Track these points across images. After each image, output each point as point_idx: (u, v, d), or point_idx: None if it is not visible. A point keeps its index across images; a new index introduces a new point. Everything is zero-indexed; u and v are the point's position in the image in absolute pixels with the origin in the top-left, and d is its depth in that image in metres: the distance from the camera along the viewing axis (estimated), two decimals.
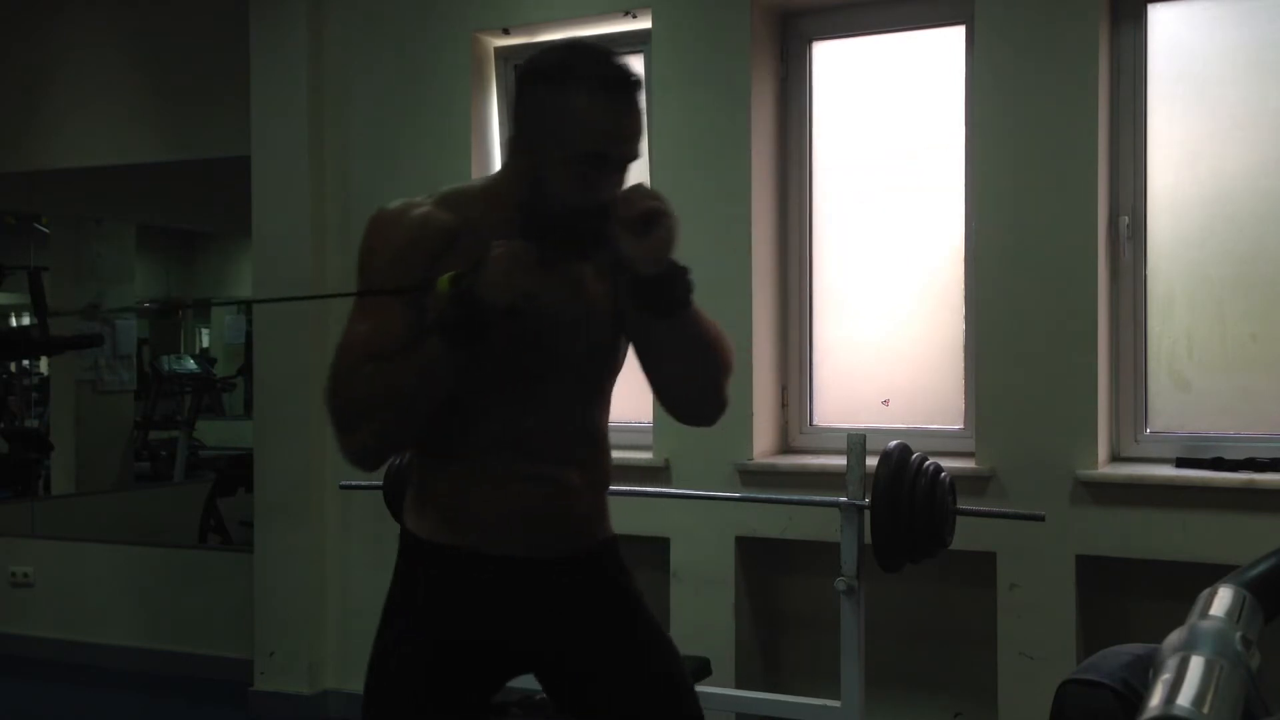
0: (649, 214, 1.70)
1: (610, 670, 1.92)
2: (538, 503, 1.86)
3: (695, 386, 1.91)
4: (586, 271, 1.86)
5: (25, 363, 8.25)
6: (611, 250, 1.75)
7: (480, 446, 1.85)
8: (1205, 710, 0.95)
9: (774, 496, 3.61)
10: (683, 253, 1.77)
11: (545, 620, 1.90)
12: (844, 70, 3.99)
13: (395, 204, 1.84)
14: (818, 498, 3.25)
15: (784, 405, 4.01)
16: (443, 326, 1.69)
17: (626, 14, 4.08)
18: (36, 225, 7.16)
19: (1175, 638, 1.06)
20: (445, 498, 1.88)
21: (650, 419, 3.91)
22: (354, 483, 3.90)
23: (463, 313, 1.68)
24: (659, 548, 3.91)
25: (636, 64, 4.21)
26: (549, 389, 1.86)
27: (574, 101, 1.71)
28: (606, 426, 1.97)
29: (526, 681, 2.11)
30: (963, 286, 3.78)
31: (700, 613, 3.83)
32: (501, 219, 1.79)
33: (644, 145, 1.81)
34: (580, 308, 1.86)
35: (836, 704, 3.08)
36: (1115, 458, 3.59)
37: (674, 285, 1.77)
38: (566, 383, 1.87)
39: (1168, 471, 3.44)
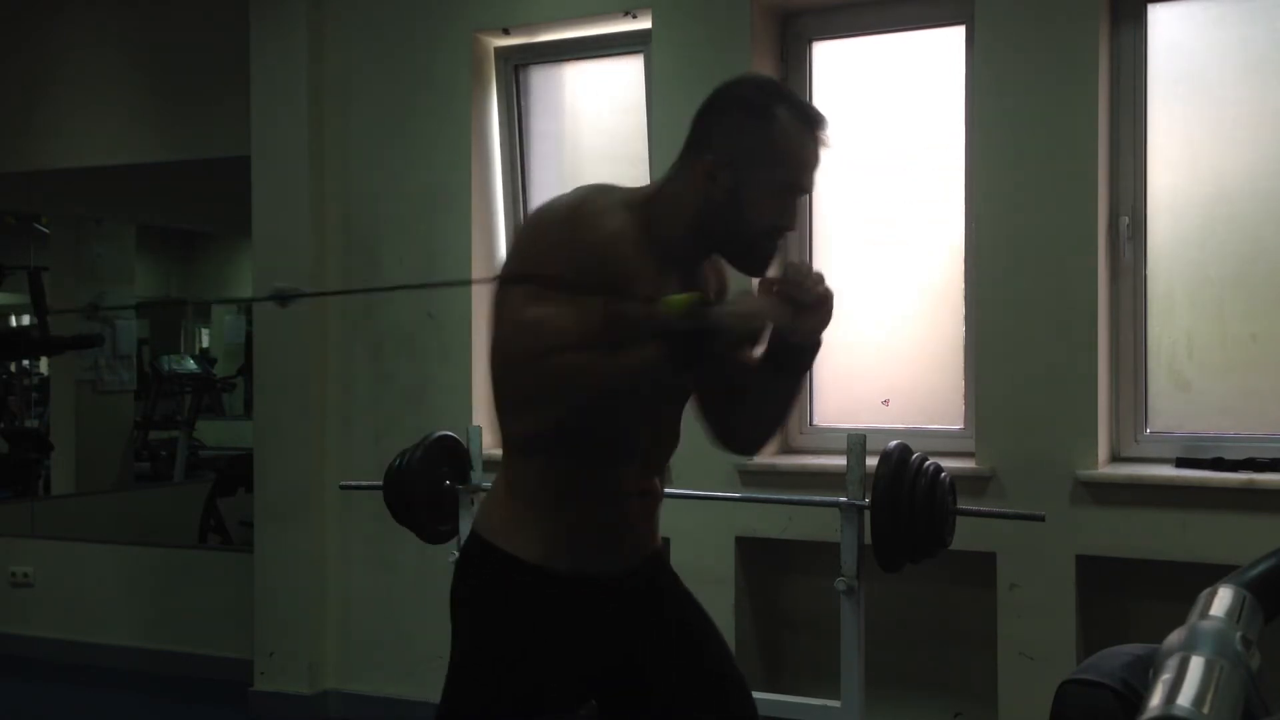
0: (825, 298, 1.87)
1: (668, 674, 1.99)
2: (623, 526, 1.94)
3: (767, 426, 2.07)
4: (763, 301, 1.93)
5: (25, 363, 8.24)
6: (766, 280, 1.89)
7: (587, 469, 1.90)
8: (1205, 710, 0.95)
9: (774, 496, 3.61)
10: None
11: (615, 632, 1.95)
12: (844, 70, 3.99)
13: (594, 200, 1.86)
14: (818, 498, 3.25)
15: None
16: (671, 342, 1.74)
17: (626, 14, 4.08)
18: (36, 225, 7.16)
19: (1175, 638, 1.06)
20: (543, 516, 1.88)
21: None
22: (354, 483, 3.91)
23: (697, 336, 1.74)
24: None
25: (636, 65, 4.22)
26: (657, 418, 1.95)
27: (784, 135, 1.86)
28: None
29: None
30: (963, 286, 3.78)
31: None
32: (655, 235, 1.86)
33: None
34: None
35: (836, 704, 3.08)
36: (1115, 458, 3.59)
37: (813, 353, 1.94)
38: (668, 412, 1.98)
39: (1168, 471, 3.44)
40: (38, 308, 6.87)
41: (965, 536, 2.98)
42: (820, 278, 1.88)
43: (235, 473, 6.22)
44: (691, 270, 1.93)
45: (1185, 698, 0.96)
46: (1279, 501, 3.25)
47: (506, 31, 4.33)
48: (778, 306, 1.83)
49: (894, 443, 2.89)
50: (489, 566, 1.90)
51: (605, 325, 1.76)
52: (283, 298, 2.19)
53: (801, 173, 1.89)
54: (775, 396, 2.00)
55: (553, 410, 1.78)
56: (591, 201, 1.85)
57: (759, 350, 1.92)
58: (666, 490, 3.84)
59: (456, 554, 3.41)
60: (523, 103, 4.45)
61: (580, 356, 1.74)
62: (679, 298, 1.75)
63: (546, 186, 4.41)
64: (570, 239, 1.80)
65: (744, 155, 1.86)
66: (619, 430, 1.88)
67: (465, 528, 3.47)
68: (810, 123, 1.89)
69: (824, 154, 1.91)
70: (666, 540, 3.90)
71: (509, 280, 1.82)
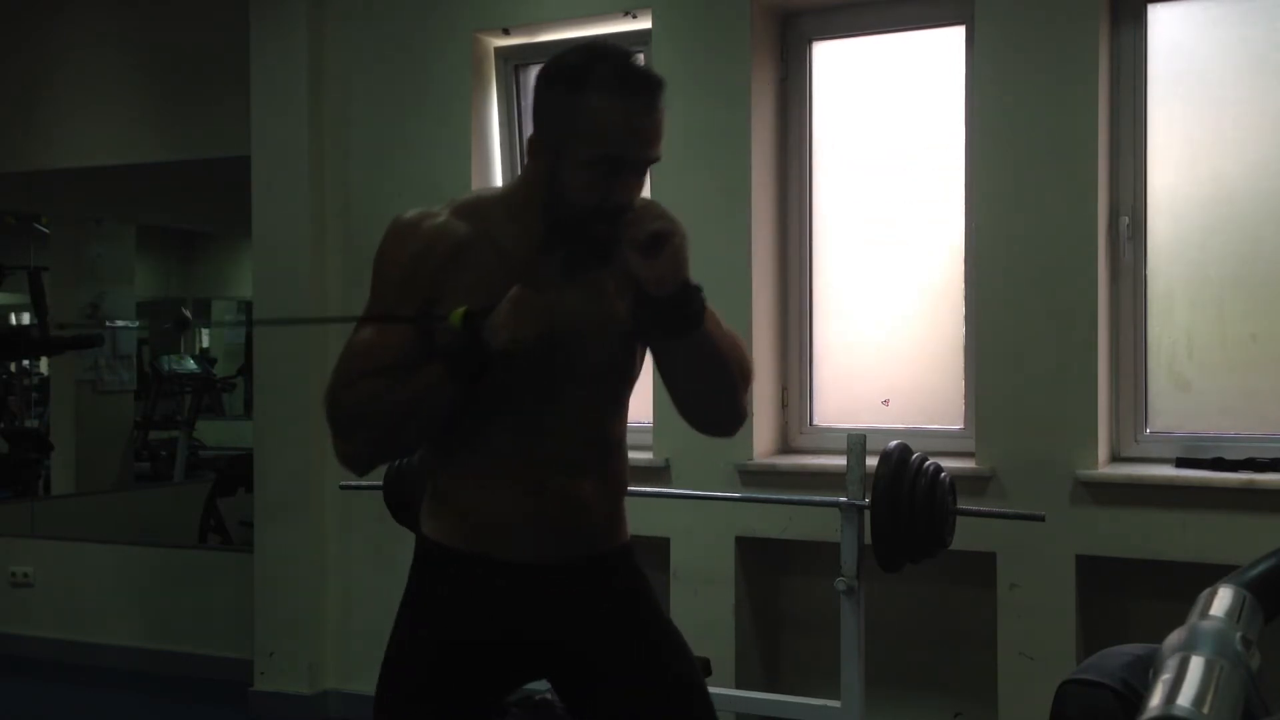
0: (657, 235, 1.71)
1: (622, 671, 1.92)
2: (550, 512, 1.86)
3: (712, 400, 1.92)
4: (604, 278, 1.84)
5: (25, 363, 8.25)
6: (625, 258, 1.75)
7: (495, 455, 1.85)
8: (1205, 710, 0.95)
9: (774, 496, 3.61)
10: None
11: (555, 624, 1.90)
12: (844, 70, 3.99)
13: (412, 212, 1.85)
14: (818, 498, 3.25)
15: (784, 405, 4.01)
16: (447, 358, 1.72)
17: (626, 14, 4.08)
18: (36, 225, 7.16)
19: (1175, 638, 1.06)
20: (459, 504, 1.88)
21: (650, 419, 3.91)
22: (354, 483, 3.91)
23: (467, 350, 1.71)
24: (659, 548, 3.91)
25: None
26: (565, 399, 1.86)
27: (592, 102, 1.71)
28: (624, 434, 1.97)
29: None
30: (963, 286, 3.78)
31: (700, 613, 3.82)
32: (520, 227, 1.81)
33: (661, 148, 1.80)
34: (598, 317, 1.85)
35: (836, 704, 3.08)
36: (1115, 458, 3.59)
37: (685, 306, 1.76)
38: (583, 393, 1.87)
39: (1168, 471, 3.43)
40: (38, 308, 6.88)
41: (965, 536, 2.98)
42: (655, 213, 1.73)
43: (235, 473, 6.22)
44: (575, 256, 1.81)
45: (1185, 698, 0.96)
46: (1279, 501, 3.25)
47: (506, 31, 4.33)
48: (535, 306, 1.70)
49: (894, 443, 2.89)
50: (421, 556, 1.93)
51: (415, 343, 1.77)
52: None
53: (622, 144, 1.73)
54: (697, 364, 1.85)
55: (362, 433, 1.80)
56: (420, 210, 1.84)
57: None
58: (666, 490, 3.85)
59: None
60: (523, 103, 4.45)
61: (374, 382, 1.75)
62: (455, 313, 1.72)
63: None
64: (383, 260, 1.83)
65: (555, 131, 1.75)
66: (487, 429, 1.84)
67: None
68: (629, 87, 1.73)
69: (652, 121, 1.75)
70: (665, 541, 3.92)
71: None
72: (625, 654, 1.92)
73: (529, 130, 1.85)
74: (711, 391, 1.90)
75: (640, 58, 1.80)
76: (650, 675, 1.92)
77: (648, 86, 1.75)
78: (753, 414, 3.83)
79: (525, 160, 1.84)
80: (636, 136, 1.74)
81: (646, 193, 1.86)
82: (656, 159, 1.79)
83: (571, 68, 1.76)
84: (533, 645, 1.91)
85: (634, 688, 1.91)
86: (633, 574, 1.99)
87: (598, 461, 1.91)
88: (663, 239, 1.71)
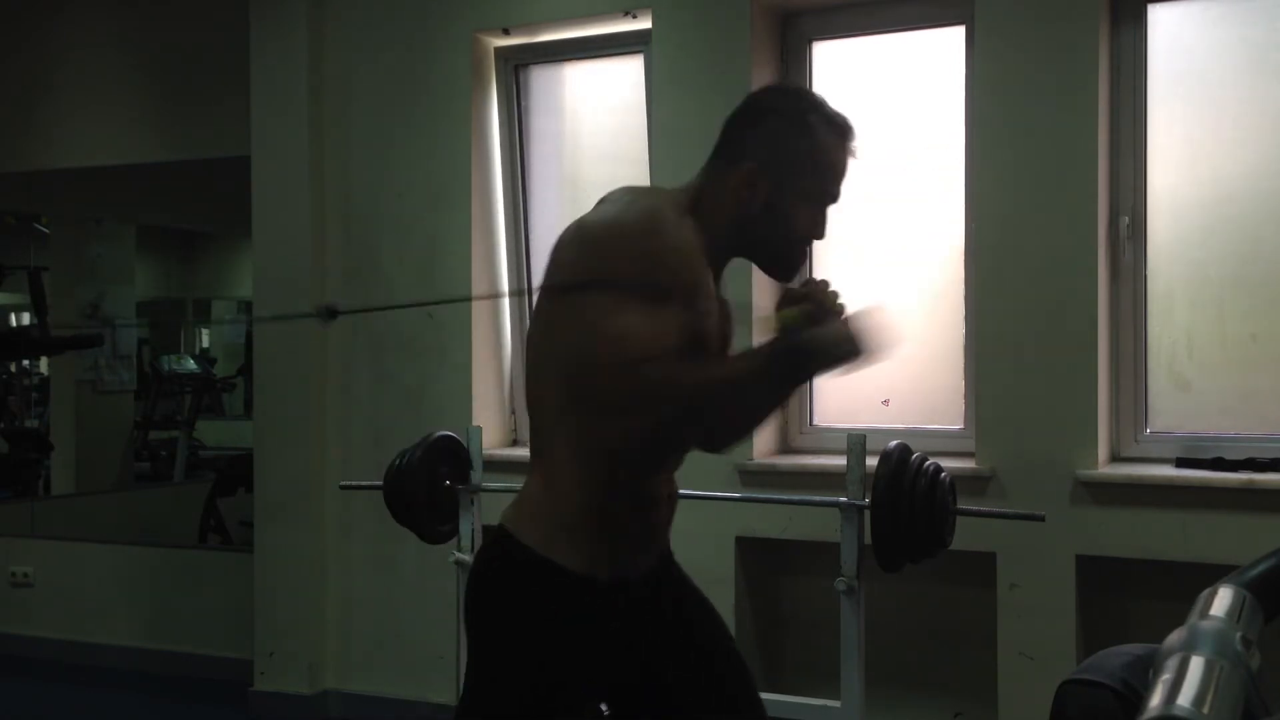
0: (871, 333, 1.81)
1: (688, 672, 2.02)
2: (668, 519, 2.01)
3: (745, 433, 2.11)
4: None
5: (25, 363, 8.25)
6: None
7: (658, 466, 1.94)
8: (1205, 710, 0.95)
9: (774, 496, 3.61)
10: None
11: (644, 629, 1.98)
12: (844, 70, 3.99)
13: (661, 208, 1.87)
14: (818, 498, 3.24)
15: (784, 405, 4.01)
16: (785, 355, 1.77)
17: (626, 14, 4.08)
18: (36, 225, 7.16)
19: (1175, 638, 1.06)
20: (607, 520, 1.87)
21: None
22: (354, 483, 3.91)
23: (810, 351, 1.77)
24: None
25: (636, 65, 4.22)
26: None
27: (822, 145, 1.90)
28: None
29: None
30: (963, 286, 3.78)
31: None
32: (704, 240, 1.87)
33: None
34: (722, 331, 1.98)
35: (836, 704, 3.08)
36: (1115, 458, 3.59)
37: (809, 379, 1.98)
38: None
39: (1168, 471, 3.44)
40: (38, 308, 6.88)
41: (965, 536, 2.98)
42: (838, 294, 1.86)
43: (235, 473, 6.23)
44: (719, 275, 1.96)
45: (1185, 698, 0.96)
46: (1279, 501, 3.25)
47: (506, 31, 4.33)
48: (866, 333, 1.78)
49: (894, 443, 2.89)
50: (532, 574, 1.86)
51: (685, 333, 1.79)
52: (331, 314, 2.17)
53: (835, 183, 1.93)
54: (762, 406, 2.00)
55: (642, 420, 1.78)
56: (666, 210, 1.86)
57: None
58: None
59: (459, 554, 3.43)
60: (523, 103, 4.45)
61: (671, 368, 1.75)
62: (789, 313, 1.78)
63: (547, 186, 4.42)
64: (656, 249, 1.79)
65: (782, 165, 1.89)
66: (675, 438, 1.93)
67: (465, 528, 3.47)
68: (843, 133, 1.93)
69: (853, 164, 1.94)
70: None
71: (591, 286, 1.79)
72: (685, 649, 2.03)
73: (525, 132, 1.89)
74: (756, 424, 2.11)
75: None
76: (708, 671, 2.05)
77: (854, 132, 1.95)
78: None
79: (718, 182, 1.94)
80: (844, 177, 1.95)
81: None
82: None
83: (794, 106, 1.94)
84: (622, 657, 1.95)
85: (694, 686, 2.01)
86: (675, 562, 2.13)
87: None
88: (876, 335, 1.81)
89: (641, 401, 1.76)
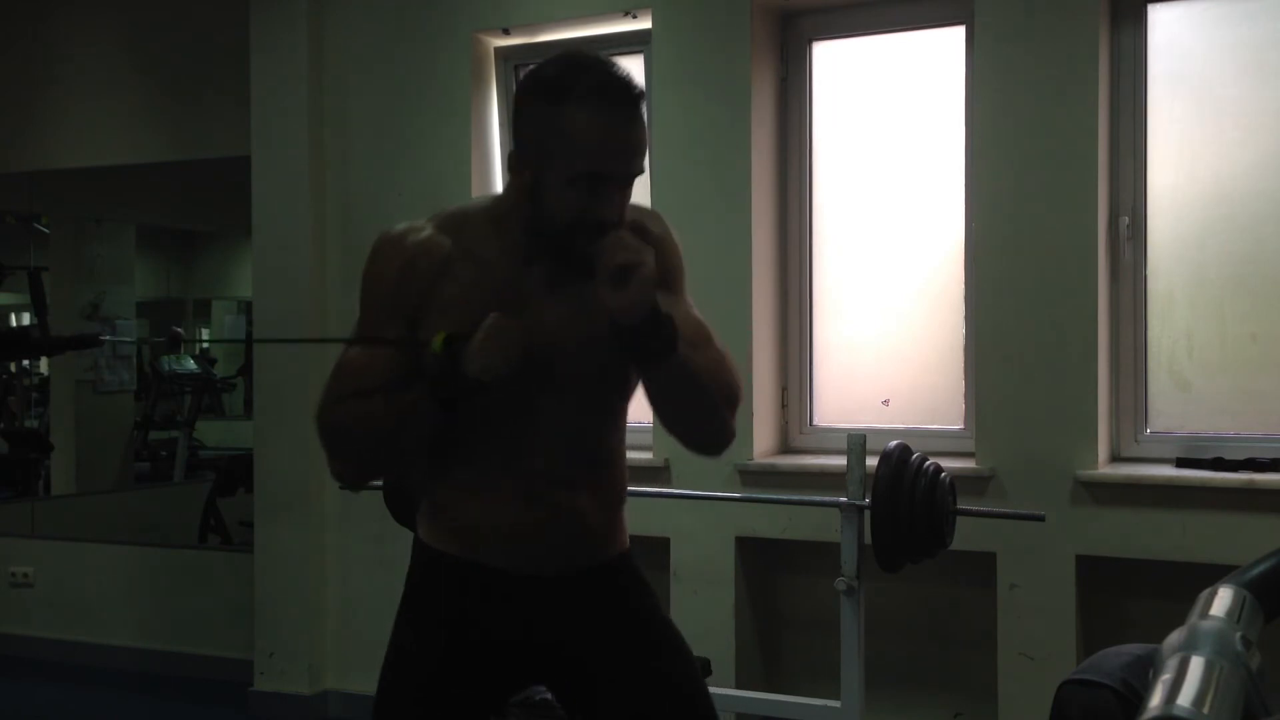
0: (625, 267, 1.67)
1: (622, 674, 1.91)
2: (543, 524, 1.87)
3: (693, 423, 1.90)
4: (589, 290, 1.78)
5: (25, 363, 8.24)
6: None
7: (486, 469, 1.87)
8: (1205, 710, 0.95)
9: (774, 496, 3.61)
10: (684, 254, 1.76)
11: (554, 630, 1.91)
12: (844, 70, 3.99)
13: (398, 228, 1.85)
14: (818, 498, 3.25)
15: (784, 405, 4.01)
16: (428, 383, 1.74)
17: (626, 14, 4.08)
18: (36, 225, 7.15)
19: (1175, 638, 1.06)
20: (454, 515, 1.90)
21: (650, 419, 3.90)
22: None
23: (446, 376, 1.72)
24: (659, 548, 3.91)
25: (636, 65, 4.22)
26: (554, 411, 1.85)
27: (572, 118, 1.68)
28: (621, 445, 1.97)
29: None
30: (963, 286, 3.78)
31: (700, 613, 3.83)
32: (503, 240, 1.81)
33: (645, 160, 1.78)
34: (582, 330, 1.83)
35: (836, 704, 3.08)
36: (1115, 458, 3.59)
37: (652, 337, 1.72)
38: (573, 404, 1.86)
39: (1168, 471, 3.43)
40: (38, 308, 6.87)
41: (965, 536, 2.98)
42: (624, 245, 1.69)
43: (235, 473, 6.21)
44: (559, 268, 1.80)
45: (1185, 698, 0.96)
46: (1279, 501, 3.25)
47: (506, 31, 4.33)
48: (509, 334, 1.71)
49: (894, 443, 2.89)
50: (420, 562, 1.95)
51: (402, 363, 1.78)
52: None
53: (602, 160, 1.70)
54: (676, 390, 1.82)
55: (350, 451, 1.85)
56: (401, 227, 1.84)
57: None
58: (666, 490, 3.85)
59: None
60: None
61: (361, 402, 1.77)
62: (436, 338, 1.72)
63: None
64: (382, 271, 1.83)
65: (536, 147, 1.73)
66: (478, 441, 1.85)
67: None
68: (608, 100, 1.69)
69: (633, 135, 1.72)
70: (665, 541, 3.92)
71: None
72: (625, 657, 1.92)
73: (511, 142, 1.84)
74: (693, 415, 1.89)
75: (619, 65, 1.76)
76: (651, 677, 1.91)
77: (628, 99, 1.70)
78: (753, 414, 3.83)
79: (506, 174, 1.84)
80: (617, 152, 1.71)
81: (646, 199, 1.86)
82: (640, 172, 1.76)
83: (549, 79, 1.72)
84: (532, 650, 1.92)
85: (635, 690, 1.90)
86: (631, 577, 1.99)
87: (590, 473, 1.91)
88: (629, 270, 1.67)
89: (330, 439, 1.84)
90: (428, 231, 1.82)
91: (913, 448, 2.90)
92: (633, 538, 2.03)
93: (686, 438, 1.93)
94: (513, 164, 1.78)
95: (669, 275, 1.86)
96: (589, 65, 1.73)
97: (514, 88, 4.43)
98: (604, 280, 1.68)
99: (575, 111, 1.68)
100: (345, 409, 1.79)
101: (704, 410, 1.87)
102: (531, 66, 1.80)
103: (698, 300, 1.95)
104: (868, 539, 2.88)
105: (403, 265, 1.80)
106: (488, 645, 1.89)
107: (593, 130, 1.68)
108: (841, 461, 3.07)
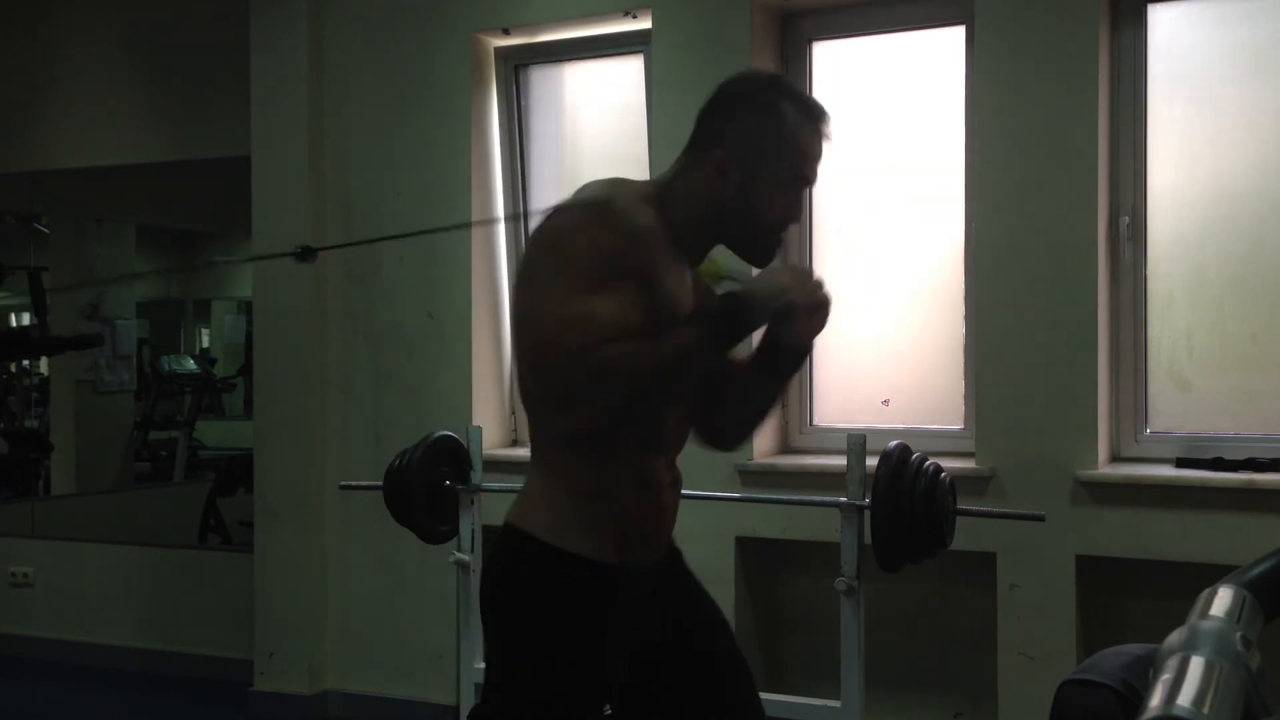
0: (824, 303, 1.90)
1: (698, 644, 2.09)
2: (674, 503, 2.03)
3: (757, 425, 2.16)
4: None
5: (25, 363, 8.24)
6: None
7: (646, 449, 1.95)
8: (1205, 710, 0.95)
9: (774, 497, 3.61)
10: None
11: (655, 616, 2.02)
12: (844, 70, 3.99)
13: (618, 194, 1.91)
14: (818, 498, 3.25)
15: (784, 405, 4.01)
16: (713, 317, 1.83)
17: (626, 14, 4.08)
18: (36, 225, 7.15)
19: (1175, 638, 1.06)
20: (607, 505, 1.91)
21: None
22: (354, 483, 3.91)
23: (738, 308, 1.82)
24: None
25: (636, 65, 4.22)
26: (677, 402, 1.99)
27: (792, 129, 1.92)
28: None
29: None
30: (963, 286, 3.78)
31: None
32: (666, 226, 1.92)
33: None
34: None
35: (836, 704, 3.08)
36: (1115, 458, 3.59)
37: (804, 359, 2.03)
38: (686, 391, 2.00)
39: (1168, 471, 3.44)
40: (38, 308, 6.87)
41: (965, 536, 2.98)
42: (821, 283, 1.92)
43: (235, 473, 6.21)
44: (695, 262, 2.00)
45: (1185, 698, 0.96)
46: (1279, 501, 3.25)
47: (506, 31, 4.33)
48: (798, 281, 1.87)
49: (894, 443, 2.89)
50: (546, 564, 1.89)
51: (647, 314, 1.82)
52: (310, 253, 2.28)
53: (808, 166, 1.95)
54: (761, 398, 2.06)
55: (606, 401, 1.80)
56: (621, 196, 1.90)
57: (748, 349, 1.99)
58: None
59: (459, 555, 3.43)
60: (523, 103, 4.45)
61: (629, 345, 1.77)
62: (710, 265, 1.87)
63: (546, 186, 4.41)
64: (607, 233, 1.83)
65: (753, 151, 1.92)
66: (653, 417, 1.93)
67: (465, 528, 3.47)
68: (814, 116, 1.95)
69: (827, 146, 1.97)
70: None
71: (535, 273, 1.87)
72: (701, 630, 2.11)
73: (524, 132, 1.91)
74: (760, 419, 2.13)
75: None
76: (722, 650, 2.13)
77: (827, 115, 1.97)
78: None
79: (692, 171, 1.97)
80: (818, 159, 1.97)
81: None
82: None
83: (765, 93, 1.96)
84: (635, 642, 1.99)
85: (708, 660, 2.09)
86: (680, 556, 2.17)
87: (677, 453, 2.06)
88: (825, 307, 1.91)
89: (601, 383, 1.78)
90: (649, 207, 1.91)
91: (913, 448, 2.90)
92: None
93: (735, 438, 2.16)
94: (719, 165, 1.93)
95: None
96: (790, 84, 2.05)
97: (514, 87, 4.43)
98: (799, 307, 1.86)
99: (795, 124, 1.93)
100: (618, 348, 1.77)
101: (765, 417, 2.14)
102: (729, 80, 2.03)
103: None
104: (868, 539, 2.87)
105: (643, 231, 1.88)
106: (614, 646, 1.94)
107: (808, 141, 1.94)
108: (841, 461, 3.07)
